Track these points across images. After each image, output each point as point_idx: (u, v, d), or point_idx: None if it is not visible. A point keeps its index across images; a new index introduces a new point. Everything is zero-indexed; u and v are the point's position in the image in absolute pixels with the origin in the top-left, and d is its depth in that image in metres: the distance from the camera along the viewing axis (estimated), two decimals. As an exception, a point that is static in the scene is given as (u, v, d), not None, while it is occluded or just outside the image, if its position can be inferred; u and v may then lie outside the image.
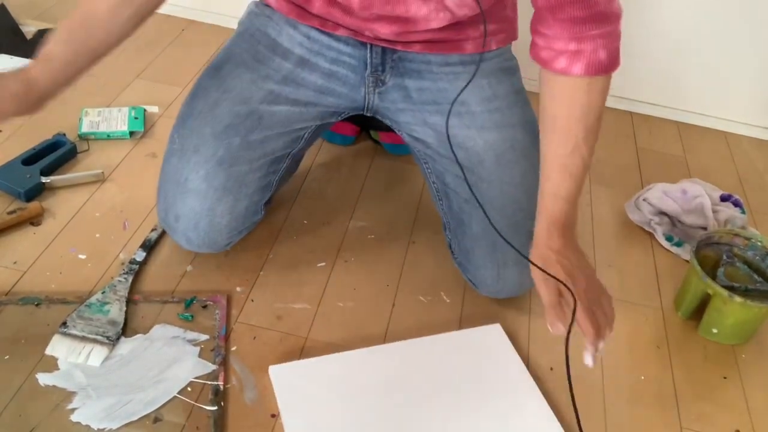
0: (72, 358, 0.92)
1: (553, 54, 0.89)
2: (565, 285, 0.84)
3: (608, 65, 0.89)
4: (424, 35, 1.04)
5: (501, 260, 1.03)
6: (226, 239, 1.05)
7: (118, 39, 0.93)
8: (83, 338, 0.94)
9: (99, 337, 0.94)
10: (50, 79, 0.87)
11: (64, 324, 0.95)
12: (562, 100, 0.91)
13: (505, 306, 1.11)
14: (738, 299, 1.06)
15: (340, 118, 1.14)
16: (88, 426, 0.85)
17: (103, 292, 0.99)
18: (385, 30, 1.02)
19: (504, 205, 1.02)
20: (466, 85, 0.94)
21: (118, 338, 0.95)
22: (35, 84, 0.86)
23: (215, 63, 1.11)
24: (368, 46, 1.06)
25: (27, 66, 0.86)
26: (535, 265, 0.87)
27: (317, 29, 1.06)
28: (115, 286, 1.01)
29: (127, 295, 1.00)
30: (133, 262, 1.06)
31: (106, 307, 0.98)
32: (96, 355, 0.93)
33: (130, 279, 1.02)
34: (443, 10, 0.95)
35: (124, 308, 0.98)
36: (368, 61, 1.07)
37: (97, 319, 0.96)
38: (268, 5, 1.10)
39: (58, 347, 0.93)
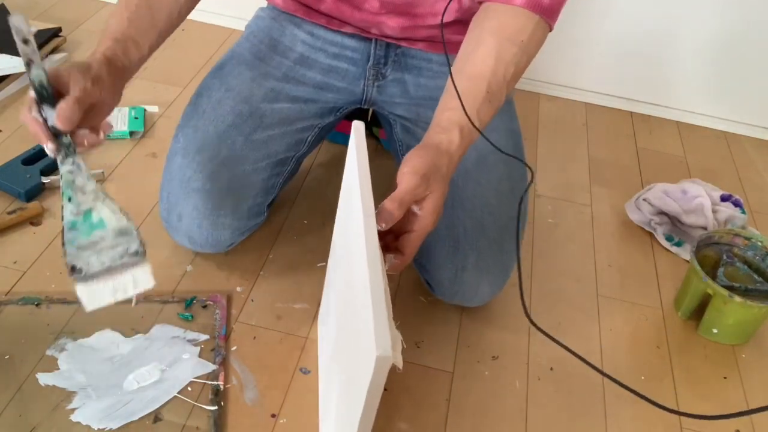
0: (121, 297, 0.75)
1: None
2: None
3: (547, 9, 0.89)
4: (428, 32, 1.05)
5: (460, 263, 0.99)
6: (229, 240, 1.05)
7: (179, 17, 0.91)
8: (109, 270, 0.75)
9: (126, 259, 0.75)
10: (125, 59, 0.83)
11: (74, 269, 0.73)
12: (491, 25, 0.89)
13: (506, 305, 1.11)
14: (738, 299, 1.06)
15: (339, 114, 1.14)
16: (88, 426, 0.85)
17: (69, 199, 0.72)
18: (392, 24, 1.03)
19: (474, 205, 1.01)
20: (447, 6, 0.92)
21: (143, 246, 0.76)
22: (113, 64, 0.80)
23: (219, 63, 1.12)
24: (373, 40, 1.07)
25: (97, 50, 0.80)
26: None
27: (323, 26, 1.07)
28: (73, 183, 0.72)
29: (95, 185, 0.74)
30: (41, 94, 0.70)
31: (95, 218, 0.73)
32: (142, 279, 0.76)
33: (77, 159, 0.73)
34: None
35: (115, 206, 0.75)
36: (371, 53, 1.08)
37: (101, 239, 0.75)
38: (275, 7, 1.11)
39: (93, 299, 0.74)
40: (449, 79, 0.89)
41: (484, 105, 0.85)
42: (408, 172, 0.77)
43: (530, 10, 0.88)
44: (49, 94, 0.71)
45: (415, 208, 0.78)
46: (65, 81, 0.73)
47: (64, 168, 0.73)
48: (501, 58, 0.87)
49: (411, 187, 0.76)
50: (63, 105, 0.71)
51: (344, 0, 1.03)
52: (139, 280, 0.77)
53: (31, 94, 0.71)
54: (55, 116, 0.71)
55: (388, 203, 0.75)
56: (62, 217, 0.73)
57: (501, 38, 0.87)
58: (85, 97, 0.73)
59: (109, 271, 0.75)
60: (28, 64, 0.69)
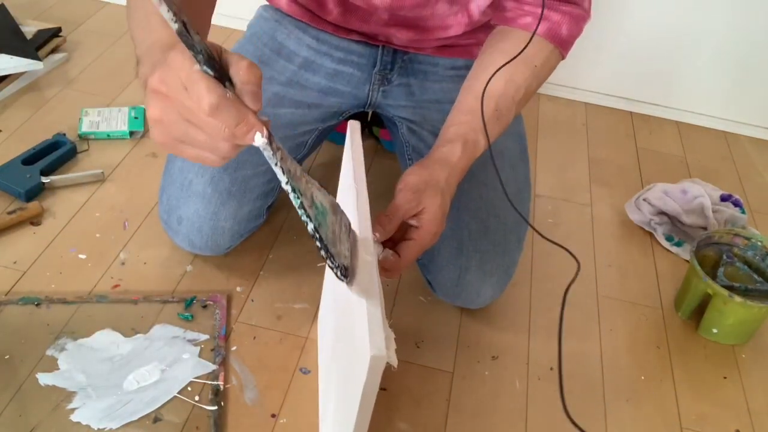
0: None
1: (521, 13, 0.92)
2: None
3: (564, 41, 0.93)
4: (436, 43, 1.05)
5: (464, 264, 0.99)
6: (229, 242, 1.04)
7: None
8: (353, 254, 0.64)
9: (351, 235, 0.66)
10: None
11: (346, 270, 0.61)
12: (505, 47, 0.91)
13: (506, 305, 1.11)
14: (738, 299, 1.06)
15: (342, 118, 1.14)
16: (88, 426, 0.85)
17: (298, 195, 0.56)
18: (401, 35, 1.04)
19: (479, 207, 1.01)
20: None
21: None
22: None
23: None
24: (380, 46, 1.07)
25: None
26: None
27: (328, 33, 1.07)
28: (289, 173, 0.56)
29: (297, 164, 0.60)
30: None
31: (318, 204, 0.59)
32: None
33: (274, 141, 0.56)
34: (462, 11, 0.99)
35: (311, 178, 0.61)
36: (378, 59, 1.08)
37: (332, 224, 0.62)
38: (278, 9, 1.10)
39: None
40: (458, 96, 0.92)
41: (491, 122, 0.88)
42: (401, 189, 0.82)
43: (548, 40, 0.92)
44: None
45: (412, 221, 0.82)
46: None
47: (275, 159, 0.54)
48: (512, 80, 0.90)
49: (402, 202, 0.80)
50: (251, 73, 0.54)
51: (352, 12, 1.02)
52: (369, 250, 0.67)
53: (202, 70, 0.52)
54: (248, 95, 0.54)
55: (381, 217, 0.78)
56: (306, 223, 0.57)
57: (515, 60, 0.89)
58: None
59: (354, 255, 0.63)
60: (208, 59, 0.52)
